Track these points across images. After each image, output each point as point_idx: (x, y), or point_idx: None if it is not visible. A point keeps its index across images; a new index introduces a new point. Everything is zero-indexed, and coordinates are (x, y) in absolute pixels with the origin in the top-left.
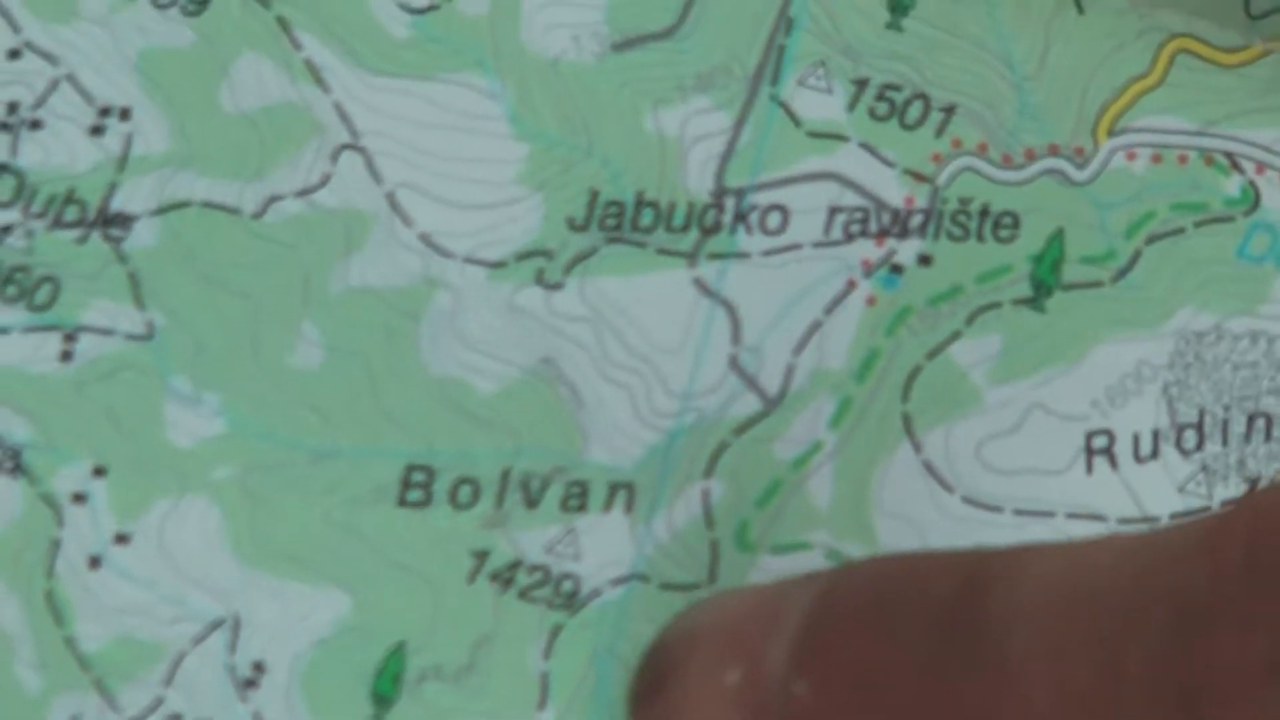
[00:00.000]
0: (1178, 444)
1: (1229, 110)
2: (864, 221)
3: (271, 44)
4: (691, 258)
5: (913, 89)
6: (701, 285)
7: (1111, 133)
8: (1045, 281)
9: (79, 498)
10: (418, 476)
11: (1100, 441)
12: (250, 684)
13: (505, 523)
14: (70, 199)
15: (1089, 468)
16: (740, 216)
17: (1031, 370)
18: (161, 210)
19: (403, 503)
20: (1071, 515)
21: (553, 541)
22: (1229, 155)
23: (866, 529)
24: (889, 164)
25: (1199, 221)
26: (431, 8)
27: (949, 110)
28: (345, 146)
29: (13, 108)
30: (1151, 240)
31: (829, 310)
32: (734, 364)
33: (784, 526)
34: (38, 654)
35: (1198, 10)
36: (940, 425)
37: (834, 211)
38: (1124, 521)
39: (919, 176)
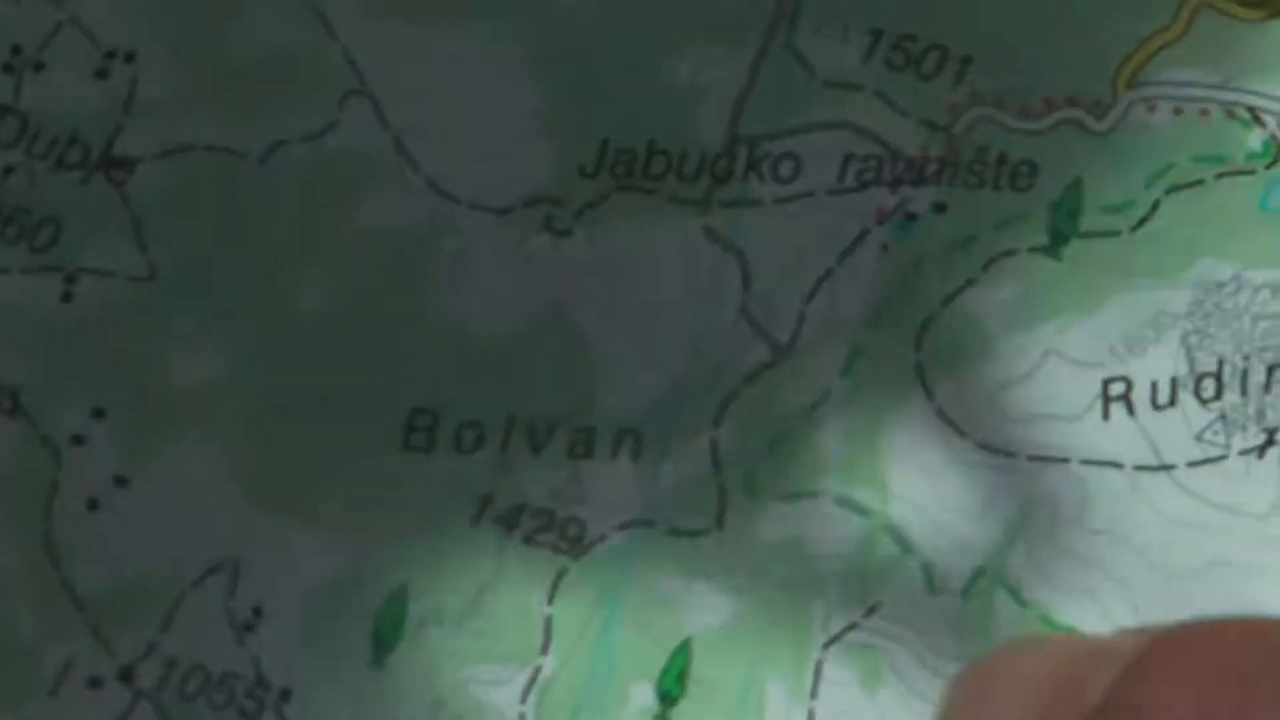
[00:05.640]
0: (1196, 392)
1: (1252, 65)
2: (878, 169)
3: None
4: (703, 206)
5: (930, 39)
6: (712, 233)
7: (1132, 85)
8: (1063, 230)
9: (78, 439)
10: (422, 420)
11: (1117, 388)
12: (249, 628)
13: (511, 468)
14: (74, 140)
15: (1106, 414)
16: (753, 165)
17: (1048, 318)
18: (165, 154)
19: (406, 446)
20: (1087, 462)
21: (558, 486)
22: (1252, 110)
23: (877, 477)
24: (904, 113)
25: (1220, 174)
26: None
27: (966, 60)
28: (352, 92)
29: (16, 50)
30: (1171, 191)
31: (842, 258)
32: (744, 312)
33: (793, 474)
34: (34, 598)
35: None
36: (954, 373)
37: (848, 160)
38: (1140, 469)
39: (935, 125)
